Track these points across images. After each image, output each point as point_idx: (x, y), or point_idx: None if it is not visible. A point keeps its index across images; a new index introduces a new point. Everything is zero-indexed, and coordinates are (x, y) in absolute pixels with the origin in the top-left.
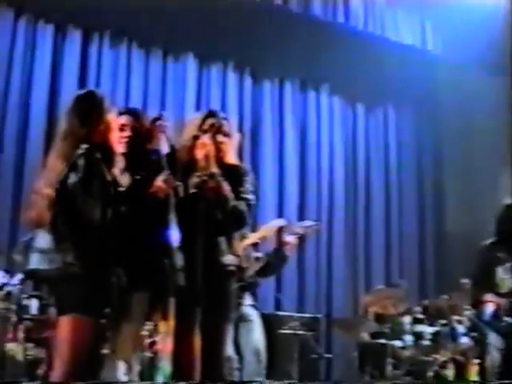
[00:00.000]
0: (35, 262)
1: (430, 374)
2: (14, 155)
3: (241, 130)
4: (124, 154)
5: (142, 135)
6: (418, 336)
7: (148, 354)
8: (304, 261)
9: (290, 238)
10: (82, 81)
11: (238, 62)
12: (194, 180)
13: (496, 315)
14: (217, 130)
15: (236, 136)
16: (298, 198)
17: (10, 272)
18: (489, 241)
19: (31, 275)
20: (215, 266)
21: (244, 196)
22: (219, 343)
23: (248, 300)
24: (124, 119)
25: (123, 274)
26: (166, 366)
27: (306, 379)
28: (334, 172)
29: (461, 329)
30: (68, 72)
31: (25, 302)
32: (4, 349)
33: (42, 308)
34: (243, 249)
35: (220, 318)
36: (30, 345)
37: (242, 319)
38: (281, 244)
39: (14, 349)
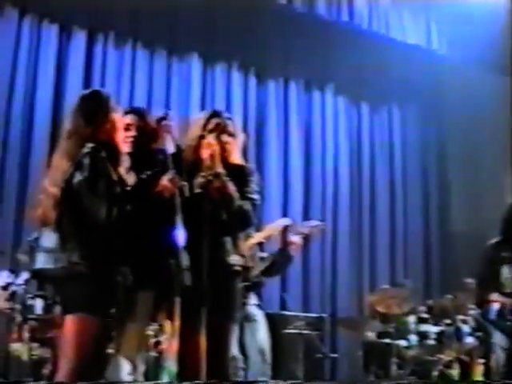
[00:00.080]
0: (41, 261)
1: (435, 373)
2: (19, 155)
3: (245, 129)
4: (129, 154)
5: (147, 135)
6: (423, 336)
7: (153, 354)
8: (309, 260)
9: (295, 238)
10: (87, 81)
11: (242, 62)
12: (200, 180)
13: (501, 315)
14: (222, 129)
15: (241, 136)
16: (303, 198)
17: (14, 272)
18: (494, 240)
19: (37, 275)
20: (221, 266)
21: (249, 196)
22: (224, 343)
23: (253, 300)
24: (129, 119)
25: (129, 273)
26: (171, 366)
27: (311, 379)
28: (339, 171)
29: (466, 328)
30: (73, 72)
31: (29, 301)
32: (9, 349)
33: (47, 308)
34: (248, 248)
35: (225, 317)
36: (35, 345)
37: (247, 319)
38: (286, 244)
39: (19, 349)
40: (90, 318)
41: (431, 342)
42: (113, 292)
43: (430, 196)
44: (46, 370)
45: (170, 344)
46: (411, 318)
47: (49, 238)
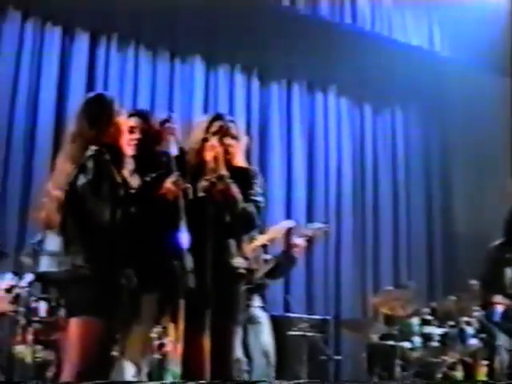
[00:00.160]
0: (45, 264)
1: (439, 375)
2: (22, 157)
3: (248, 131)
4: (133, 156)
5: (151, 137)
6: (427, 337)
7: (157, 356)
8: (312, 262)
9: (299, 240)
10: (90, 83)
11: (245, 64)
12: (203, 182)
13: (505, 316)
14: (225, 132)
15: (244, 138)
16: (306, 200)
17: (18, 274)
18: (497, 242)
19: (41, 278)
20: (225, 269)
21: (253, 198)
22: (228, 345)
23: (257, 302)
24: (133, 121)
25: (133, 275)
26: (174, 368)
27: (315, 381)
28: (342, 173)
29: (470, 330)
30: (76, 74)
31: (33, 304)
32: (13, 351)
33: (51, 310)
34: (252, 250)
35: (229, 320)
36: (39, 347)
37: (251, 321)
38: (289, 246)
39: (23, 351)
40: (95, 321)
41: (435, 343)
42: (117, 294)
43: (433, 197)
44: (49, 373)
45: (174, 346)
46: (415, 320)
47: (52, 241)
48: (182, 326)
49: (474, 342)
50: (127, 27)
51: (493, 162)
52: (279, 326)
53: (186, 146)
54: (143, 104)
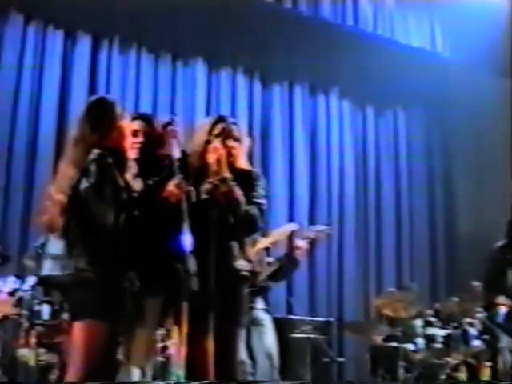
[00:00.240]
0: (48, 268)
1: (442, 376)
2: (24, 160)
3: (250, 134)
4: (136, 160)
5: (154, 140)
6: (430, 339)
7: (160, 359)
8: (315, 265)
9: (301, 243)
10: (92, 86)
11: (247, 66)
12: (206, 185)
13: (508, 317)
14: (227, 134)
15: (246, 140)
16: (309, 202)
17: (21, 277)
18: (500, 243)
19: (44, 281)
20: (228, 271)
21: (256, 200)
22: (232, 348)
23: (260, 304)
24: (136, 125)
25: (136, 278)
26: (178, 371)
27: (318, 383)
28: (345, 175)
29: (473, 331)
30: (78, 77)
31: (36, 307)
32: (16, 354)
33: (54, 313)
34: (256, 253)
35: (233, 322)
36: (42, 350)
37: (255, 323)
38: (292, 248)
39: (26, 354)
40: (99, 324)
41: (438, 345)
42: (120, 298)
43: (436, 199)
44: (53, 376)
45: (178, 349)
46: (418, 322)
47: (55, 245)
48: (185, 328)
49: (477, 343)
50: (129, 30)
51: (495, 163)
52: (282, 328)
53: (188, 149)
54: (145, 107)
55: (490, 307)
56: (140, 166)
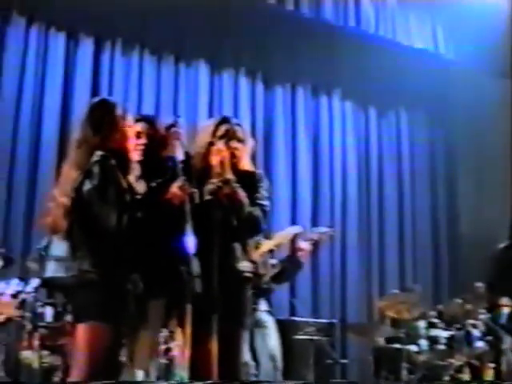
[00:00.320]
0: (51, 270)
1: (446, 378)
2: (27, 163)
3: (253, 135)
4: (139, 162)
5: (157, 142)
6: (433, 340)
7: (163, 361)
8: (318, 266)
9: (304, 244)
10: (95, 88)
11: (249, 68)
12: (210, 186)
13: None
14: (231, 136)
15: (250, 142)
16: (311, 203)
17: (24, 280)
18: (503, 244)
19: (47, 283)
20: (231, 273)
21: (259, 202)
22: (236, 349)
23: (263, 306)
24: (140, 126)
25: (140, 280)
26: (182, 373)
27: None
28: (347, 176)
29: (476, 333)
30: (80, 79)
31: (39, 309)
32: (19, 356)
33: (57, 315)
34: (260, 256)
35: (236, 324)
36: (46, 352)
37: (258, 325)
38: (295, 250)
39: (30, 356)
40: (102, 326)
41: (441, 346)
42: (124, 299)
43: (438, 200)
44: (56, 378)
45: (182, 351)
46: (421, 323)
47: (59, 247)
48: (189, 330)
49: (480, 344)
50: (131, 32)
51: (497, 163)
52: (285, 330)
53: (191, 150)
54: (148, 108)
55: (494, 308)
56: (143, 167)
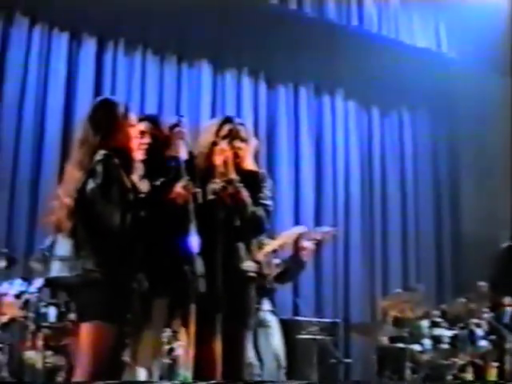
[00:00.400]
0: (55, 269)
1: (449, 377)
2: (30, 163)
3: (256, 135)
4: (143, 161)
5: (161, 142)
6: (437, 340)
7: (167, 361)
8: (321, 266)
9: (307, 244)
10: (98, 88)
11: (252, 68)
12: (213, 186)
13: None
14: (234, 135)
15: (253, 141)
16: (314, 203)
17: (27, 280)
18: (506, 244)
19: (51, 283)
20: (235, 273)
21: (262, 202)
22: (240, 349)
23: (266, 305)
24: (143, 126)
25: (144, 279)
26: (186, 373)
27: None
28: (350, 175)
29: (479, 332)
30: (83, 79)
31: (43, 309)
32: (23, 357)
33: (60, 315)
34: (264, 256)
35: (240, 324)
36: (49, 352)
37: (261, 325)
38: (298, 249)
39: (33, 357)
40: (106, 326)
41: (445, 345)
42: (128, 299)
43: (442, 199)
44: (60, 378)
45: (186, 351)
46: (425, 322)
47: (63, 246)
48: (193, 330)
49: (483, 343)
50: (134, 32)
51: (501, 162)
52: (289, 329)
53: (194, 150)
54: (151, 108)
55: (497, 307)
56: (147, 167)
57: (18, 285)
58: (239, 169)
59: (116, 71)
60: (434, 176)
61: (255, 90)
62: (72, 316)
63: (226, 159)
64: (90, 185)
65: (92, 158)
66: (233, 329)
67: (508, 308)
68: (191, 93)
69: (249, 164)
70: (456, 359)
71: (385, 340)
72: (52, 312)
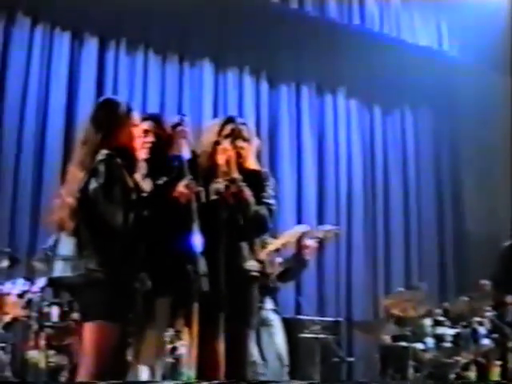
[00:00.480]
0: (58, 269)
1: (452, 376)
2: (32, 163)
3: (258, 134)
4: (146, 160)
5: (163, 141)
6: (440, 338)
7: (170, 360)
8: (323, 264)
9: (310, 242)
10: (99, 87)
11: (253, 67)
12: (216, 185)
13: None
14: (237, 135)
15: (255, 141)
16: (317, 202)
17: (30, 280)
18: (509, 242)
19: (54, 282)
20: (238, 272)
21: (265, 201)
22: (243, 348)
23: (269, 304)
24: (147, 125)
25: (147, 279)
26: (189, 372)
27: (328, 382)
28: (352, 174)
29: (482, 330)
30: (85, 79)
31: (46, 309)
32: (26, 356)
33: (63, 315)
34: (267, 255)
35: (243, 323)
36: (52, 352)
37: (264, 324)
38: (300, 248)
39: (36, 356)
40: (110, 325)
41: (448, 344)
42: (131, 298)
43: (444, 197)
44: (63, 378)
45: (189, 350)
46: (427, 321)
47: (66, 246)
48: (196, 329)
49: (486, 342)
50: (136, 31)
51: (504, 160)
52: (291, 328)
53: (197, 149)
54: (153, 108)
55: (500, 306)
56: (149, 166)
57: (20, 284)
58: (242, 168)
59: (118, 71)
60: (435, 174)
61: (257, 89)
62: (75, 315)
63: (228, 158)
64: (93, 184)
65: (94, 157)
66: (236, 328)
67: (511, 306)
68: (193, 92)
69: (251, 163)
70: (459, 358)
71: (387, 339)
72: (55, 311)
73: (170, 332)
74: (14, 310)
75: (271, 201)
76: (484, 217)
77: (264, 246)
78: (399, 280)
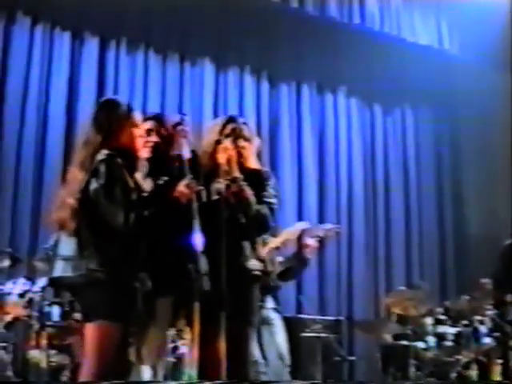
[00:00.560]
0: (59, 269)
1: (453, 374)
2: (33, 162)
3: (259, 133)
4: (147, 159)
5: (165, 140)
6: (441, 337)
7: (172, 360)
8: (324, 263)
9: (311, 241)
10: (100, 87)
11: (254, 66)
12: (217, 185)
13: None
14: (238, 134)
15: (256, 140)
16: (317, 201)
17: (31, 279)
18: (509, 241)
19: (55, 282)
20: (239, 271)
21: (266, 200)
22: (244, 348)
23: (270, 303)
24: (149, 124)
25: (148, 279)
26: (191, 371)
27: (329, 381)
28: (353, 173)
29: (483, 329)
30: (86, 78)
31: (47, 308)
32: (27, 356)
33: (64, 314)
34: (267, 253)
35: (244, 322)
36: (53, 351)
37: (265, 323)
38: (301, 247)
39: (37, 356)
40: (111, 325)
41: (449, 343)
42: (132, 298)
43: (445, 196)
44: (64, 377)
45: (190, 349)
46: (428, 320)
47: (66, 246)
48: (197, 329)
49: (487, 340)
50: (136, 31)
51: (504, 160)
52: (293, 327)
53: (198, 149)
54: (153, 107)
55: (501, 305)
56: (150, 165)
57: (21, 284)
58: (243, 168)
59: (118, 70)
60: (436, 173)
61: (258, 88)
62: (76, 315)
63: (229, 158)
64: (93, 185)
65: (94, 158)
66: (237, 327)
67: None
68: (194, 91)
69: (252, 163)
70: (460, 356)
71: (388, 337)
72: (56, 311)
73: (172, 331)
74: (15, 309)
75: (272, 200)
76: (484, 216)
77: (265, 245)
78: (400, 279)
